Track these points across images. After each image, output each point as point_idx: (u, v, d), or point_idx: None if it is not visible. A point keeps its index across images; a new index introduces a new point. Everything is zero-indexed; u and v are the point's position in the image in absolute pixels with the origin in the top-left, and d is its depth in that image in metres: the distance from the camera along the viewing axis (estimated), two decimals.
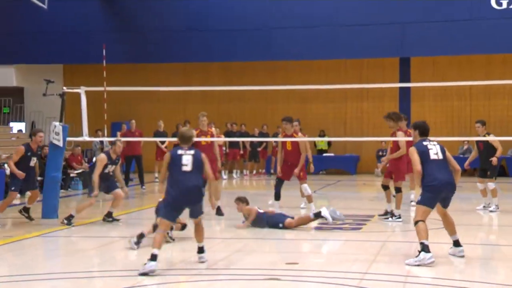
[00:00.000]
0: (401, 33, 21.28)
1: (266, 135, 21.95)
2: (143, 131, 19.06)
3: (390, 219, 11.15)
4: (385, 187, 11.43)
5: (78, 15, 22.86)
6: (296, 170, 11.64)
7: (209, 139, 11.90)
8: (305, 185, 11.77)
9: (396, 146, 11.28)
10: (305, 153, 11.85)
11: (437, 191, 7.80)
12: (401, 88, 22.28)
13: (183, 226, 9.78)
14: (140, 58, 23.09)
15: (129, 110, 23.28)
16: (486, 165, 12.43)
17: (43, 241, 9.80)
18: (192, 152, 7.77)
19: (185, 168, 7.65)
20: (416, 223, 7.77)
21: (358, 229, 10.45)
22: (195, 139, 12.02)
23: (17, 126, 24.76)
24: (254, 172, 22.68)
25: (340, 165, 23.16)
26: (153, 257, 7.18)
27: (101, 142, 19.00)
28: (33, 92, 23.45)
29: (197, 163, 7.71)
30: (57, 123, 11.82)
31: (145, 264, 7.15)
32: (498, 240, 10.03)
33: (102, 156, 11.24)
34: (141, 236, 8.84)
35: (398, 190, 11.18)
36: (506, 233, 10.57)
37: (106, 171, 11.18)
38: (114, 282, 6.87)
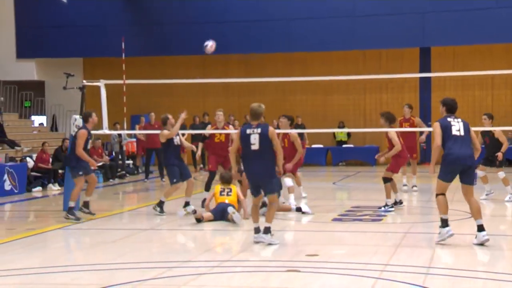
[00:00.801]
0: (422, 23, 21.09)
1: None
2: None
3: (382, 208, 11.08)
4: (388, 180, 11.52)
5: (97, 9, 22.99)
6: (290, 165, 11.51)
7: (221, 131, 11.83)
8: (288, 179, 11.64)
9: (391, 144, 11.34)
10: (301, 150, 11.72)
11: (452, 165, 8.03)
12: (421, 78, 22.10)
13: (198, 220, 9.92)
14: (159, 51, 23.15)
15: (149, 103, 23.36)
16: (492, 156, 12.32)
17: (64, 233, 9.88)
18: (259, 130, 8.08)
19: (253, 147, 8.03)
20: (436, 196, 8.18)
21: (378, 220, 10.39)
22: (211, 131, 12.04)
23: (38, 120, 25.00)
24: None
25: (360, 156, 23.05)
26: (256, 230, 8.17)
27: (119, 135, 19.10)
28: (54, 86, 23.63)
29: (265, 141, 8.03)
30: (77, 116, 11.90)
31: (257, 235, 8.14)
32: None
33: (165, 131, 11.11)
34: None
35: (387, 180, 11.16)
36: None
37: (175, 143, 11.17)
38: (136, 274, 6.91)
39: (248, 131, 8.10)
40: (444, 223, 8.03)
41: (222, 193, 10.40)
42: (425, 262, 7.31)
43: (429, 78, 21.92)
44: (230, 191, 10.41)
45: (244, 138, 8.08)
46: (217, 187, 10.53)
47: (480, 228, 8.07)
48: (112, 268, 7.24)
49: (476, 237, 8.11)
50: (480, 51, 22.10)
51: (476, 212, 8.11)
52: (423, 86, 22.67)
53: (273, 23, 21.90)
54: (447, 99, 8.44)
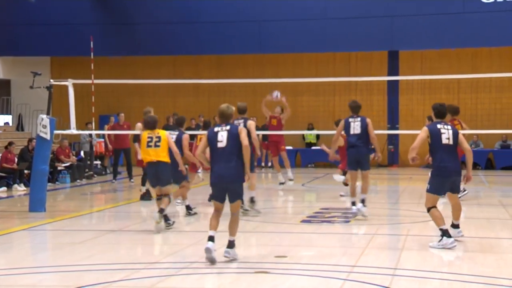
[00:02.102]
0: (391, 26, 21.34)
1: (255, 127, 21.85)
2: (132, 124, 18.95)
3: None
4: None
5: (66, 7, 22.70)
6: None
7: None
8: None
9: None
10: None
11: (447, 176, 8.13)
12: (389, 81, 22.36)
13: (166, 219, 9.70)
14: (129, 51, 22.95)
15: (119, 103, 23.17)
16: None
17: (30, 234, 9.75)
18: (228, 127, 7.58)
19: (220, 145, 7.52)
20: (428, 210, 8.20)
21: (346, 222, 10.47)
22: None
23: (3, 119, 24.60)
24: None
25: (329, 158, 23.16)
26: (210, 238, 7.40)
27: (90, 135, 18.91)
28: (20, 85, 23.26)
29: (233, 139, 7.49)
30: (44, 116, 11.75)
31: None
32: (486, 233, 10.07)
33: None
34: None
35: None
36: (493, 225, 10.60)
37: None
38: (104, 276, 6.85)
39: (216, 129, 7.61)
40: (446, 233, 8.05)
41: (150, 144, 9.43)
42: (392, 263, 7.39)
43: (397, 81, 22.20)
44: (159, 140, 9.43)
45: (212, 137, 7.57)
46: (144, 133, 9.61)
47: (456, 227, 8.52)
48: (80, 269, 7.17)
49: (450, 230, 8.42)
50: (447, 55, 22.46)
51: (457, 213, 8.50)
52: (391, 89, 22.93)
53: (245, 24, 21.93)
54: (436, 104, 8.49)
